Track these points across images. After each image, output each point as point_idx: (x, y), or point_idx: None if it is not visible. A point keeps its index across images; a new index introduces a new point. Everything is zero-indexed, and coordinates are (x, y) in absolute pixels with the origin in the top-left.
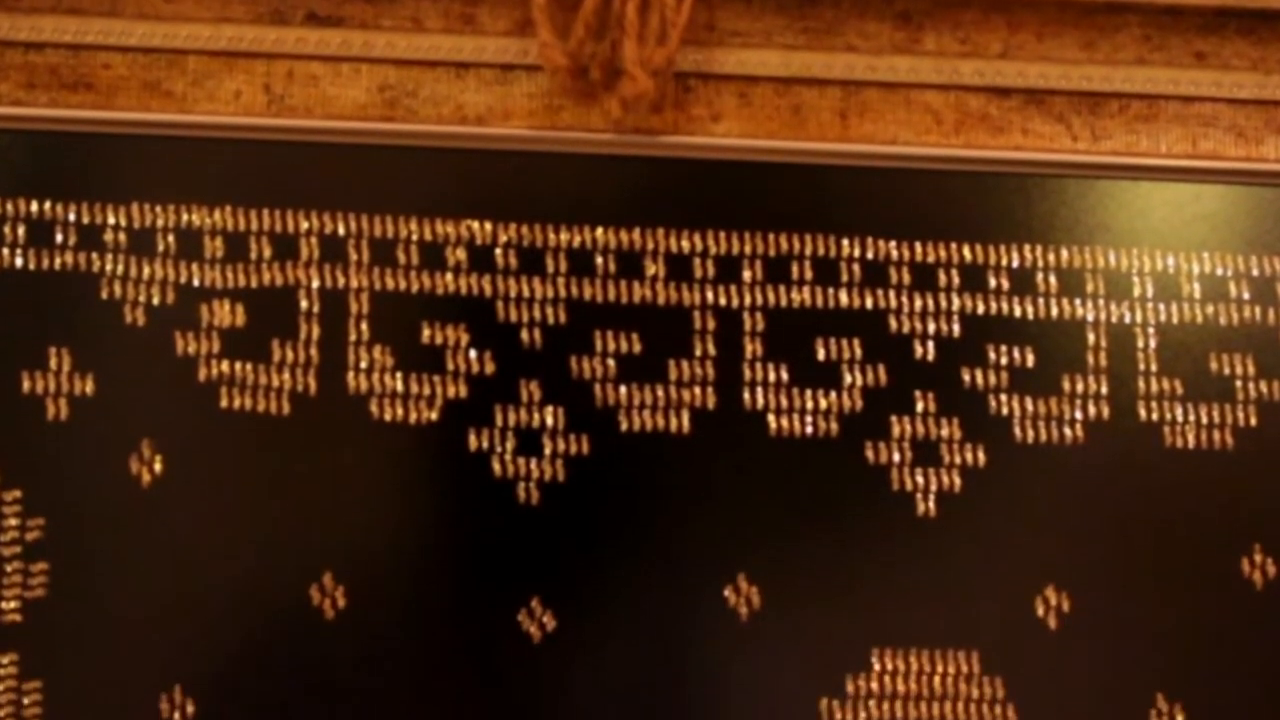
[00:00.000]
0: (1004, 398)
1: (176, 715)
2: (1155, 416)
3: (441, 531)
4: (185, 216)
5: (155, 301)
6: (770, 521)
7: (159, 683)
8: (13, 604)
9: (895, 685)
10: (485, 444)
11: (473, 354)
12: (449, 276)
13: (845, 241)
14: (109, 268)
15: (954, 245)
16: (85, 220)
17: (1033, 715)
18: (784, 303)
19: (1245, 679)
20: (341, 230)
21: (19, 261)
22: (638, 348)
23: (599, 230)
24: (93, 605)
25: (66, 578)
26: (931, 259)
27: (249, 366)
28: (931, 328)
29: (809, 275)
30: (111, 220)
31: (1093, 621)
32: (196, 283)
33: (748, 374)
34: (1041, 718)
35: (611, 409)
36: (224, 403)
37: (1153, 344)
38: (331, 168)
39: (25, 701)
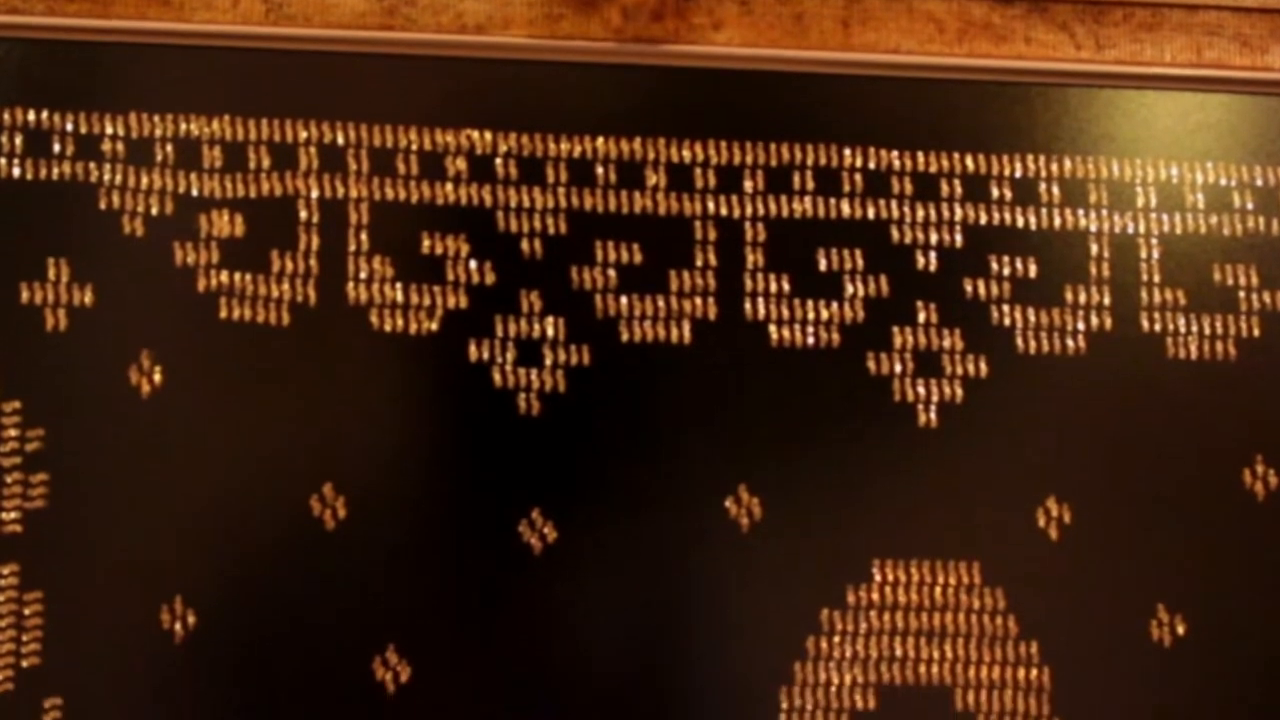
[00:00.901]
0: (1006, 308)
1: (177, 625)
2: (1158, 327)
3: (442, 442)
4: (183, 126)
5: (154, 212)
6: (771, 432)
7: (160, 593)
8: (13, 515)
9: (896, 596)
10: (485, 354)
11: (473, 264)
12: (449, 186)
13: (847, 151)
14: (107, 178)
15: (956, 155)
16: (83, 130)
17: (1033, 626)
18: (785, 213)
19: (1246, 589)
20: (341, 140)
21: (16, 172)
22: (638, 258)
23: (599, 140)
24: (93, 516)
25: (66, 488)
26: (934, 169)
27: (248, 277)
28: (934, 238)
29: (810, 185)
30: (109, 130)
31: (1094, 533)
32: (195, 193)
33: (749, 284)
34: (1042, 628)
35: (612, 319)
36: (223, 313)
37: (1155, 254)
38: (330, 77)
39: (26, 612)
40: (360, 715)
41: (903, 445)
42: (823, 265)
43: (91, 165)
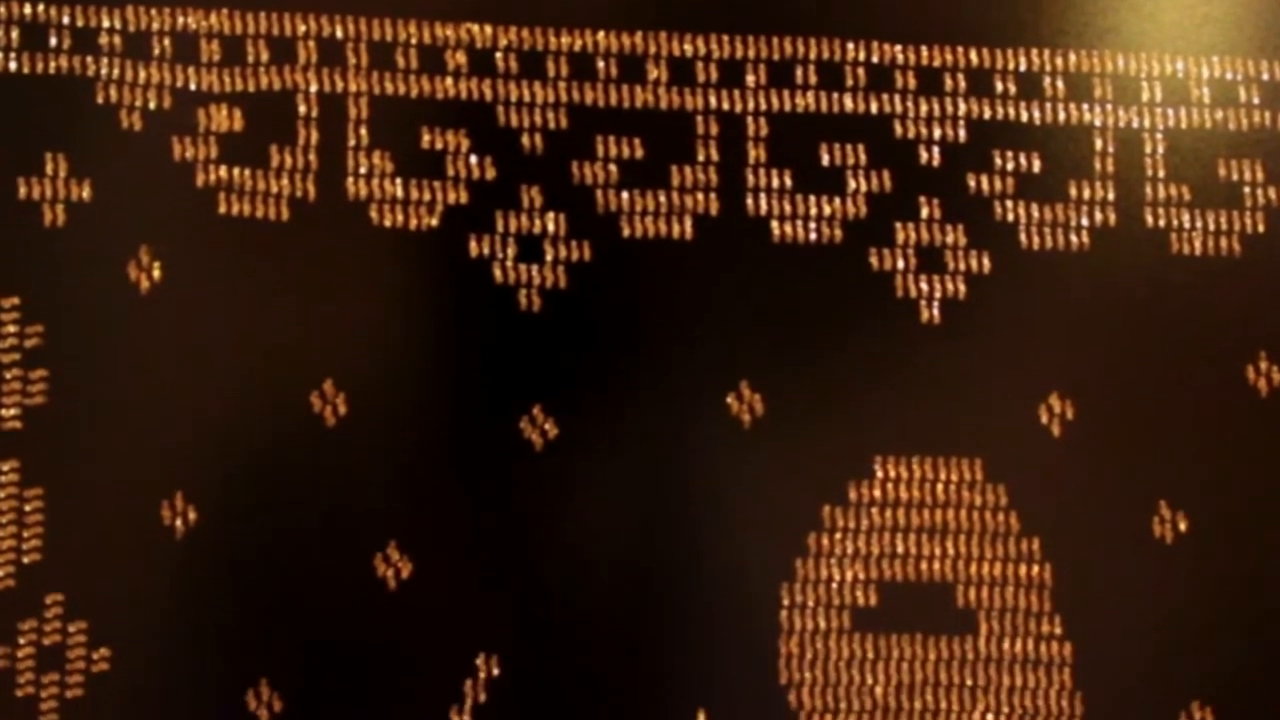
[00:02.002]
0: (1009, 204)
1: (178, 521)
2: (1162, 223)
3: (442, 338)
4: (181, 19)
5: (152, 106)
6: (773, 329)
7: (160, 490)
8: (12, 411)
9: (898, 492)
10: (486, 250)
11: (473, 159)
12: (449, 81)
13: (850, 45)
14: (104, 72)
15: (960, 49)
16: (80, 23)
17: (1034, 522)
18: (787, 107)
19: (1248, 487)
20: (339, 33)
21: (13, 65)
22: (640, 153)
23: (600, 34)
24: (93, 412)
25: (66, 385)
26: (937, 63)
27: (247, 172)
28: (937, 133)
29: (813, 79)
30: (106, 23)
31: (1096, 429)
32: (193, 87)
33: (750, 179)
34: (1043, 525)
35: (613, 215)
36: (222, 208)
37: (1160, 150)
38: None
39: (26, 509)
40: (362, 611)
41: (905, 341)
42: (825, 160)
43: (88, 59)
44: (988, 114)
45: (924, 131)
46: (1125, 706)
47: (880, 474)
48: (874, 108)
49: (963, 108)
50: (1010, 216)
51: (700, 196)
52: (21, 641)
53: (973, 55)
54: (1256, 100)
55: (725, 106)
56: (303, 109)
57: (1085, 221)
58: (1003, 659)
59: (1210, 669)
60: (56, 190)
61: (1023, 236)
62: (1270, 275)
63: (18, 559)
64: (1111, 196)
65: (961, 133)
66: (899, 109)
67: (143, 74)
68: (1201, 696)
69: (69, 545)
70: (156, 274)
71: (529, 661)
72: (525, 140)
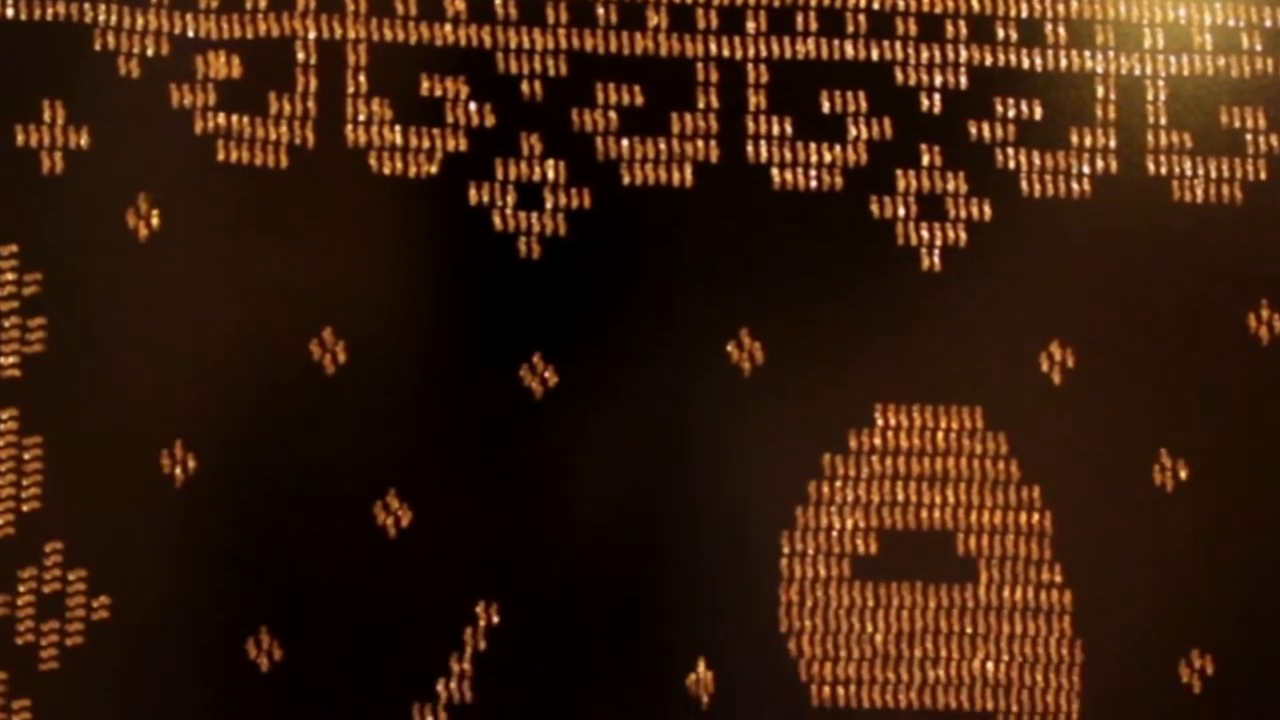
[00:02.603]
0: (1011, 151)
1: (178, 470)
2: (1164, 170)
3: (442, 286)
4: None
5: (150, 53)
6: (773, 276)
7: (160, 438)
8: (11, 359)
9: (898, 440)
10: (485, 198)
11: (472, 106)
12: (448, 27)
13: None
14: (101, 18)
15: None
16: None
17: (1035, 470)
18: (788, 54)
19: (1249, 435)
20: None
21: (9, 12)
22: (640, 100)
23: None
24: (92, 360)
25: (65, 332)
26: (939, 9)
27: (245, 119)
28: (938, 80)
29: (814, 26)
30: None
31: (1097, 377)
32: (192, 34)
33: (751, 127)
34: (1044, 473)
35: (613, 162)
36: (220, 156)
37: (1162, 97)
38: None
39: (26, 457)
40: (362, 559)
41: (905, 289)
42: (826, 107)
43: (86, 5)
44: (989, 61)
45: (925, 78)
46: (1125, 654)
47: (880, 422)
48: (875, 54)
49: (964, 54)
50: (1011, 164)
51: (700, 144)
52: (21, 590)
53: (974, 2)
54: (1259, 47)
55: (725, 53)
56: (301, 56)
57: (1086, 169)
58: (1003, 607)
59: (1210, 617)
60: (54, 138)
61: (1024, 184)
62: (1272, 223)
63: (17, 507)
64: (1113, 144)
65: (963, 80)
66: (900, 56)
67: (141, 21)
68: (1201, 644)
69: (68, 493)
70: (155, 222)
71: (529, 609)
72: (525, 87)
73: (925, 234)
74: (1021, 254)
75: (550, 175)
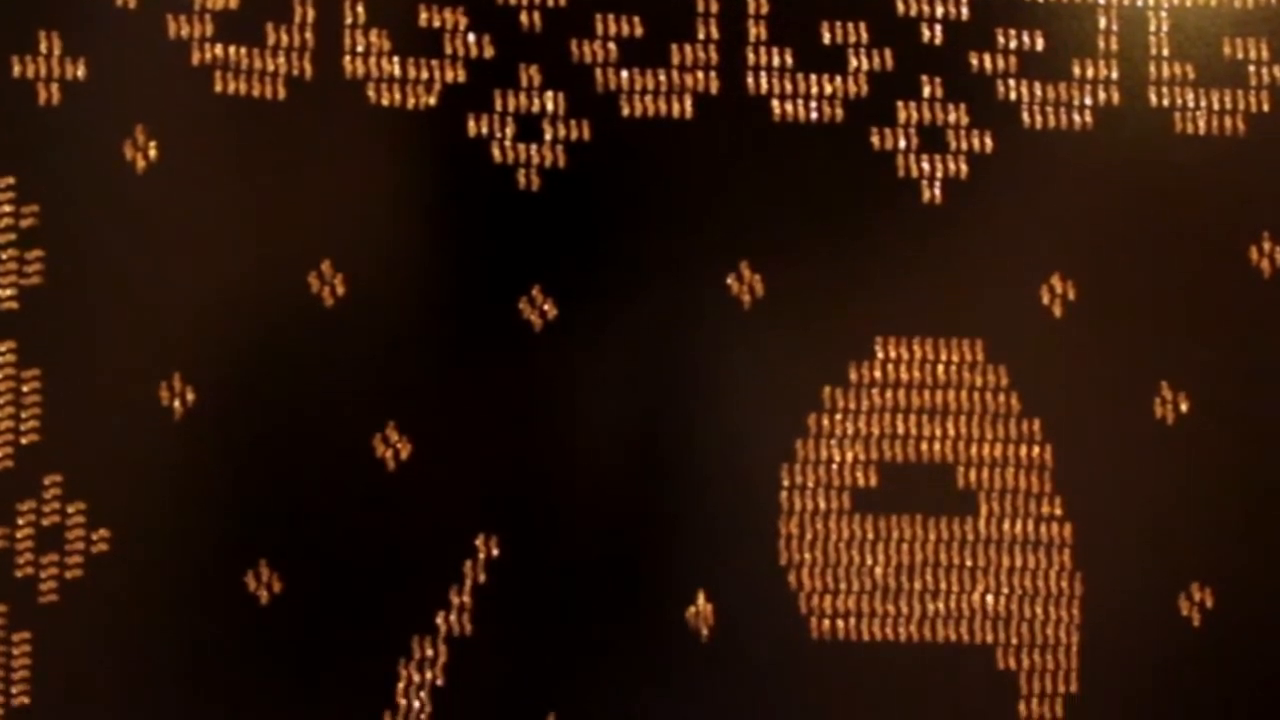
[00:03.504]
0: (1012, 82)
1: (176, 403)
2: (1166, 102)
3: (441, 218)
4: None
5: None
6: (773, 208)
7: (158, 370)
8: (9, 291)
9: (898, 373)
10: (485, 129)
11: (471, 37)
12: None
13: None
14: None
15: None
16: None
17: (1035, 403)
18: None
19: (1250, 368)
20: None
21: None
22: (639, 31)
23: None
24: (90, 293)
25: (62, 265)
26: None
27: (243, 50)
28: (939, 10)
29: None
30: None
31: (1098, 310)
32: None
33: (751, 58)
34: (1044, 406)
35: (613, 93)
36: (218, 87)
37: (1165, 27)
38: None
39: (24, 389)
40: (361, 491)
41: (906, 222)
42: (826, 38)
43: None
44: None
45: (926, 9)
46: (1125, 587)
47: (881, 355)
48: None
49: None
50: (1013, 96)
51: (700, 75)
52: (20, 522)
53: None
54: None
55: None
56: None
57: (1089, 101)
58: (1003, 540)
59: (1210, 550)
60: (51, 69)
61: (1025, 116)
62: (1274, 155)
63: (16, 440)
64: (1115, 75)
65: (964, 10)
66: None
67: None
68: (1201, 577)
69: (67, 426)
70: (153, 153)
71: (529, 542)
72: (524, 18)
73: (926, 166)
74: (1023, 186)
75: (549, 107)
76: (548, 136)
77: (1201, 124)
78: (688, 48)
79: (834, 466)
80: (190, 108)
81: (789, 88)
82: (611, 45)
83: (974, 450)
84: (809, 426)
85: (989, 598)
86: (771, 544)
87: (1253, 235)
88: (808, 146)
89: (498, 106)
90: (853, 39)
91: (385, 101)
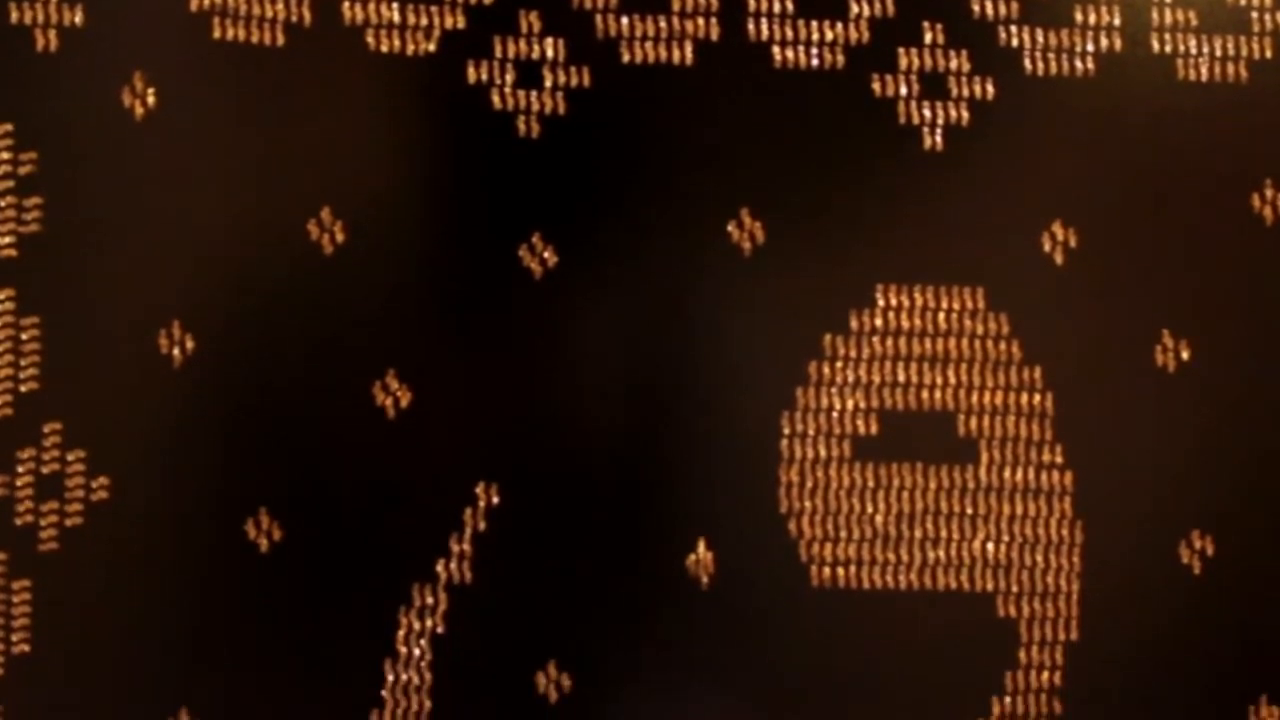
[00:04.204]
0: (1014, 29)
1: (176, 350)
2: (1168, 48)
3: (440, 165)
4: None
5: None
6: (774, 156)
7: (157, 318)
8: (7, 239)
9: (899, 321)
10: (484, 76)
11: None
12: None
13: None
14: None
15: None
16: None
17: (1037, 351)
18: None
19: (1252, 316)
20: None
21: None
22: None
23: None
24: (89, 240)
25: (61, 212)
26: None
27: None
28: None
29: None
30: None
31: (1099, 257)
32: None
33: (752, 4)
34: (1045, 353)
35: (613, 40)
36: (216, 33)
37: None
38: None
39: (23, 337)
40: (361, 439)
41: (907, 169)
42: None
43: None
44: None
45: None
46: (1125, 535)
47: (881, 302)
48: None
49: None
50: (1015, 42)
51: (701, 21)
52: (20, 470)
53: None
54: None
55: None
56: None
57: (1091, 47)
58: (1003, 487)
59: (1211, 498)
60: (48, 15)
61: (1027, 62)
62: (1277, 102)
63: (15, 388)
64: (1118, 21)
65: None
66: None
67: None
68: (1202, 525)
69: (67, 374)
70: (151, 100)
71: (529, 490)
72: None
73: (927, 113)
74: (1024, 133)
75: (549, 53)
76: (548, 83)
77: (1204, 70)
78: None
79: (834, 414)
80: (188, 54)
81: (790, 34)
82: None
83: (975, 398)
84: (809, 374)
85: (989, 545)
86: (772, 492)
87: (1255, 182)
88: (809, 93)
89: (497, 53)
90: None
91: (384, 48)
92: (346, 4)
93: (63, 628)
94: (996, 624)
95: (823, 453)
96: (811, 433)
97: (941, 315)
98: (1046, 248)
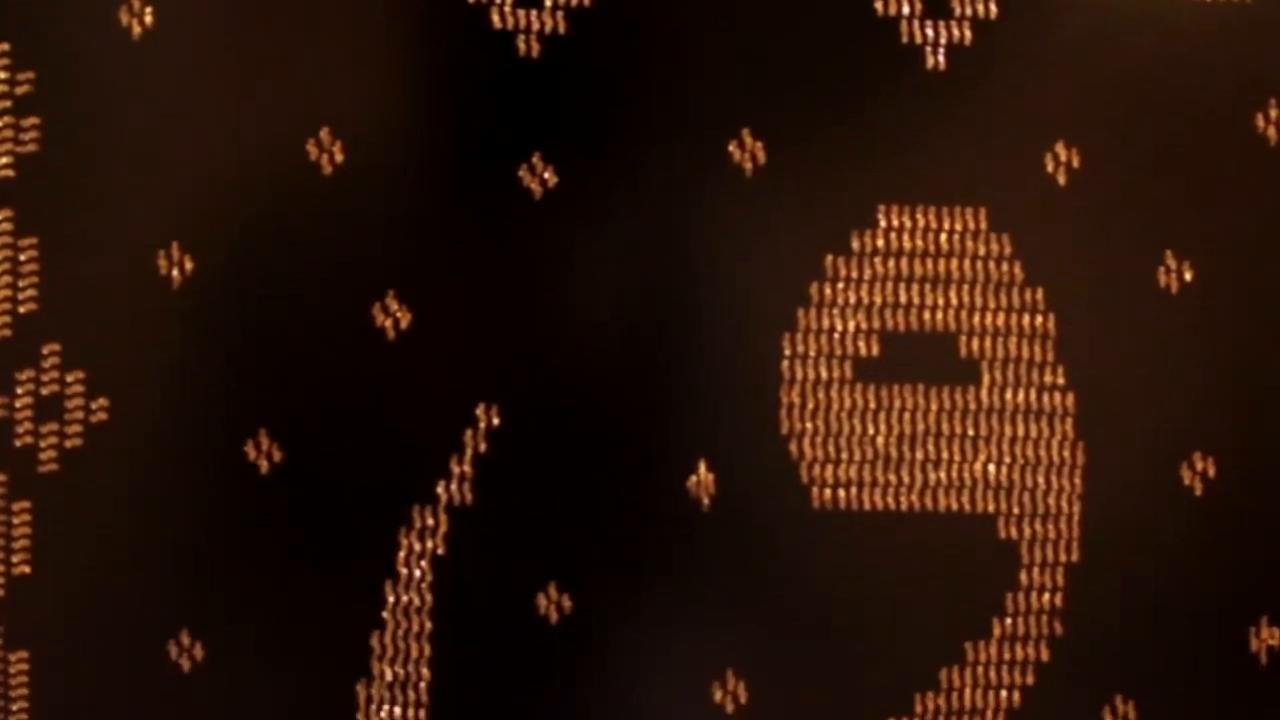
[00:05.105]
0: None
1: (175, 272)
2: None
3: (440, 85)
4: None
5: None
6: (775, 76)
7: (156, 239)
8: (5, 159)
9: (901, 241)
10: None
11: None
12: None
13: None
14: None
15: None
16: None
17: (1039, 271)
18: None
19: (1255, 236)
20: None
21: None
22: None
23: None
24: (87, 160)
25: (59, 132)
26: None
27: None
28: None
29: None
30: None
31: (1102, 178)
32: None
33: None
34: (1047, 274)
35: None
36: None
37: None
38: None
39: (21, 258)
40: (361, 361)
41: (909, 89)
42: None
43: None
44: None
45: None
46: (1127, 457)
47: (883, 223)
48: None
49: None
50: None
51: None
52: (19, 391)
53: None
54: None
55: None
56: None
57: None
58: (1005, 409)
59: (1212, 420)
60: None
61: None
62: None
63: (14, 309)
64: None
65: None
66: None
67: None
68: (1203, 447)
69: (65, 295)
70: (149, 19)
71: (529, 412)
72: None
73: (930, 32)
74: (1027, 53)
75: None
76: (548, 2)
77: None
78: None
79: (836, 335)
80: None
81: None
82: None
83: (976, 319)
84: (811, 295)
85: (990, 467)
86: (773, 413)
87: (1258, 102)
88: (810, 12)
89: None
90: None
91: None
92: None
93: (63, 549)
94: (997, 545)
95: (824, 374)
96: (813, 354)
97: (943, 236)
98: (1049, 168)
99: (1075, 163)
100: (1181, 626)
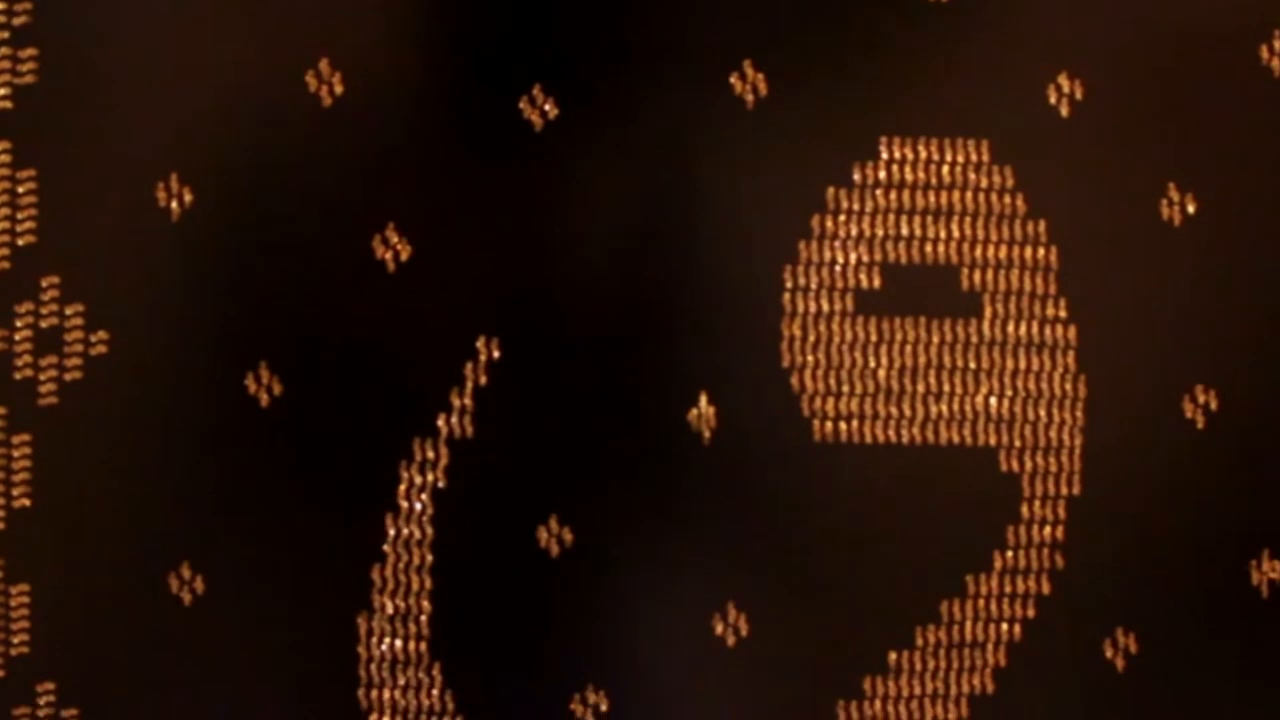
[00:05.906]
0: None
1: (174, 204)
2: None
3: (440, 16)
4: None
5: None
6: (777, 7)
7: (155, 171)
8: (3, 90)
9: (903, 174)
10: None
11: None
12: None
13: None
14: None
15: None
16: None
17: (1041, 204)
18: None
19: (1259, 169)
20: None
21: None
22: None
23: None
24: (85, 92)
25: (57, 63)
26: None
27: None
28: None
29: None
30: None
31: (1105, 109)
32: None
33: None
34: (1050, 206)
35: None
36: None
37: None
38: None
39: (19, 191)
40: (361, 294)
41: (911, 20)
42: None
43: None
44: None
45: None
46: (1129, 390)
47: (885, 155)
48: None
49: None
50: None
51: None
52: (18, 324)
53: None
54: None
55: None
56: None
57: None
58: (1006, 342)
59: (1215, 353)
60: None
61: None
62: None
63: (12, 241)
64: None
65: None
66: None
67: None
68: (1205, 380)
69: (64, 227)
70: None
71: (530, 344)
72: None
73: None
74: None
75: None
76: None
77: None
78: None
79: (837, 268)
80: None
81: None
82: None
83: (978, 252)
84: (812, 228)
85: (992, 400)
86: (774, 346)
87: (1263, 34)
88: None
89: None
90: None
91: None
92: None
93: (63, 482)
94: (999, 478)
95: (825, 307)
96: (814, 286)
97: (945, 168)
98: (1052, 100)
99: (1078, 94)
100: (1182, 560)
